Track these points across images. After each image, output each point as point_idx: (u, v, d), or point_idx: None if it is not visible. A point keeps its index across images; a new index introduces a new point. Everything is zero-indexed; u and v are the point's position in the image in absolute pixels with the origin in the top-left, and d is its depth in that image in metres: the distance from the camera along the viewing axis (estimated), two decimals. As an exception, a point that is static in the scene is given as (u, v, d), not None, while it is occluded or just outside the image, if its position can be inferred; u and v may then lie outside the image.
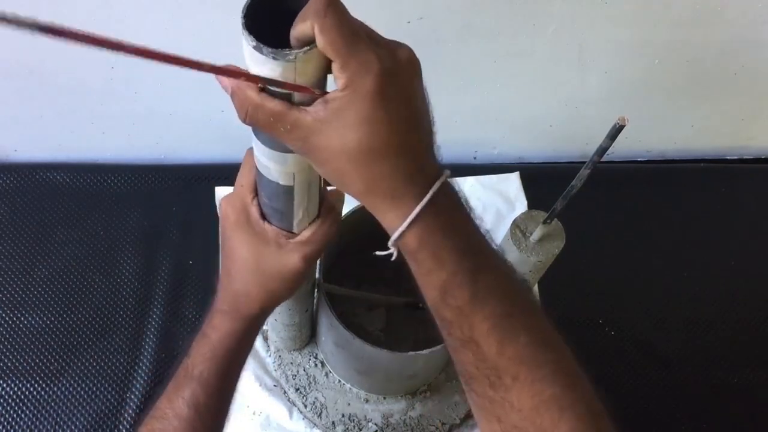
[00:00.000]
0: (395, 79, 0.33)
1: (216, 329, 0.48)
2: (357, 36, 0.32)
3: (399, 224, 0.35)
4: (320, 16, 0.30)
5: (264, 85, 0.33)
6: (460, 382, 0.41)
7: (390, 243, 0.36)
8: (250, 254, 0.46)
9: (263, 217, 0.46)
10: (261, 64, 0.32)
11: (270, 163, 0.41)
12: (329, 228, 0.47)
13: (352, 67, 0.31)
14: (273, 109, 0.33)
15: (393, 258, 0.38)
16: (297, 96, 0.33)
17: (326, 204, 0.47)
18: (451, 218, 0.37)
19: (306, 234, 0.46)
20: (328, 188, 0.47)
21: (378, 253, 0.39)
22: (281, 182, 0.42)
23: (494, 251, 0.39)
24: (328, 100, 0.32)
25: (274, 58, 0.31)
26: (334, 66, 0.32)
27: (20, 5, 0.71)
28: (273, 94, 0.33)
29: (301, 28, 0.31)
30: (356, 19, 0.33)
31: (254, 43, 0.31)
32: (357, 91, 0.32)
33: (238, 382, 0.51)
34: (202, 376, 0.46)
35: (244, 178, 0.46)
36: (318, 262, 0.62)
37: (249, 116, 0.34)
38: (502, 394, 0.36)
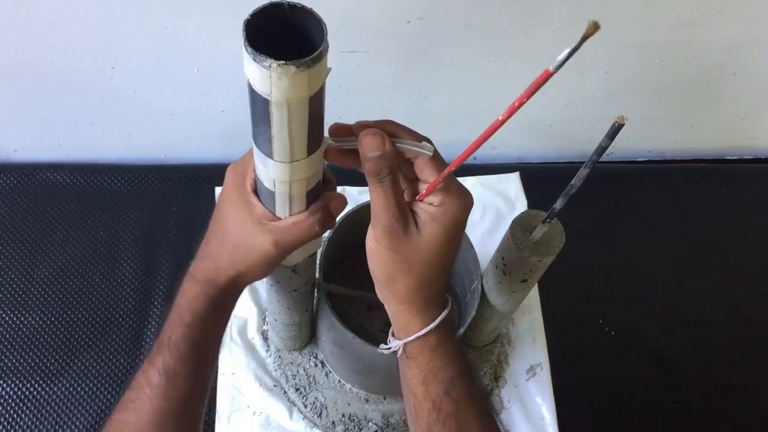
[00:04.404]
0: (467, 216, 0.43)
1: (184, 294, 0.47)
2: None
3: (425, 325, 0.43)
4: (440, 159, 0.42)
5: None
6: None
7: (411, 338, 0.44)
8: (231, 220, 0.46)
9: (256, 193, 0.45)
10: (247, 62, 0.33)
11: (257, 161, 0.41)
12: (312, 224, 0.45)
13: (453, 190, 0.41)
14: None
15: (398, 355, 0.45)
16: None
17: (321, 201, 0.46)
18: (452, 327, 0.46)
19: (287, 221, 0.45)
20: (328, 193, 0.47)
21: (383, 348, 0.47)
22: (264, 183, 0.42)
23: None
24: (428, 206, 0.42)
25: (253, 60, 0.32)
26: (439, 187, 0.41)
27: (20, 5, 0.72)
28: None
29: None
30: None
31: (243, 39, 0.32)
32: (447, 212, 0.41)
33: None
34: (170, 341, 0.45)
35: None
36: (318, 261, 0.62)
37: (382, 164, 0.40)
38: None
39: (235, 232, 0.46)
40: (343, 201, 0.48)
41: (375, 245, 0.42)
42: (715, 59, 0.88)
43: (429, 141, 0.42)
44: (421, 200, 0.43)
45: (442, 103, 0.89)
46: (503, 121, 0.33)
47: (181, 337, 0.46)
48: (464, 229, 0.44)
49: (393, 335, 0.47)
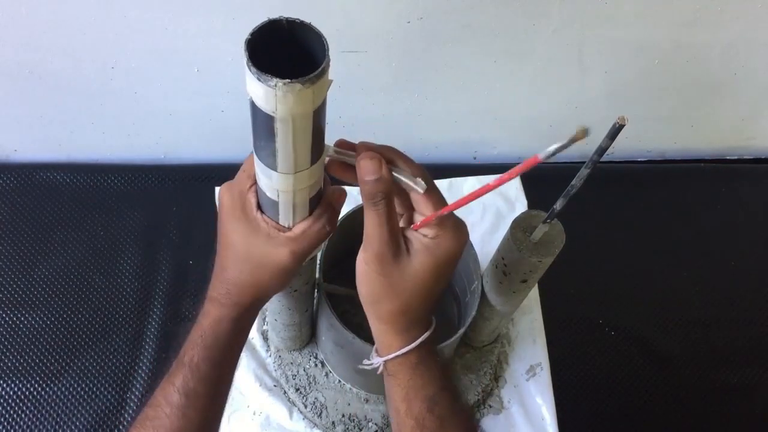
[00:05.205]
0: (461, 250, 0.43)
1: (207, 315, 0.47)
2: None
3: (405, 345, 0.44)
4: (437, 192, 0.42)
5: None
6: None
7: (390, 357, 0.45)
8: (241, 243, 0.46)
9: (259, 207, 0.45)
10: (250, 81, 0.32)
11: (260, 173, 0.41)
12: (322, 227, 0.46)
13: (448, 224, 0.42)
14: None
15: (379, 372, 0.47)
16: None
17: (324, 201, 0.46)
18: (435, 347, 0.47)
19: (297, 230, 0.45)
20: (330, 187, 0.47)
21: (365, 364, 0.48)
22: (267, 194, 0.42)
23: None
24: (422, 237, 0.42)
25: (258, 79, 0.32)
26: (436, 220, 0.41)
27: (20, 5, 0.72)
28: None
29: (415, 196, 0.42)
30: None
31: (246, 59, 0.32)
32: (441, 246, 0.42)
33: (233, 373, 0.50)
34: (192, 362, 0.46)
35: (247, 164, 0.45)
36: (318, 261, 0.62)
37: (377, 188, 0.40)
38: None
39: (249, 254, 0.46)
40: (344, 193, 0.48)
41: (364, 268, 0.42)
42: (715, 59, 0.88)
43: (426, 176, 0.42)
44: (416, 230, 0.43)
45: (442, 103, 0.89)
46: (493, 187, 0.35)
47: (203, 359, 0.46)
48: (457, 263, 0.44)
49: (376, 352, 0.47)
